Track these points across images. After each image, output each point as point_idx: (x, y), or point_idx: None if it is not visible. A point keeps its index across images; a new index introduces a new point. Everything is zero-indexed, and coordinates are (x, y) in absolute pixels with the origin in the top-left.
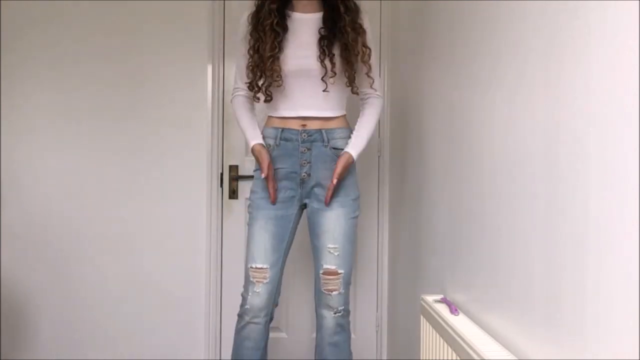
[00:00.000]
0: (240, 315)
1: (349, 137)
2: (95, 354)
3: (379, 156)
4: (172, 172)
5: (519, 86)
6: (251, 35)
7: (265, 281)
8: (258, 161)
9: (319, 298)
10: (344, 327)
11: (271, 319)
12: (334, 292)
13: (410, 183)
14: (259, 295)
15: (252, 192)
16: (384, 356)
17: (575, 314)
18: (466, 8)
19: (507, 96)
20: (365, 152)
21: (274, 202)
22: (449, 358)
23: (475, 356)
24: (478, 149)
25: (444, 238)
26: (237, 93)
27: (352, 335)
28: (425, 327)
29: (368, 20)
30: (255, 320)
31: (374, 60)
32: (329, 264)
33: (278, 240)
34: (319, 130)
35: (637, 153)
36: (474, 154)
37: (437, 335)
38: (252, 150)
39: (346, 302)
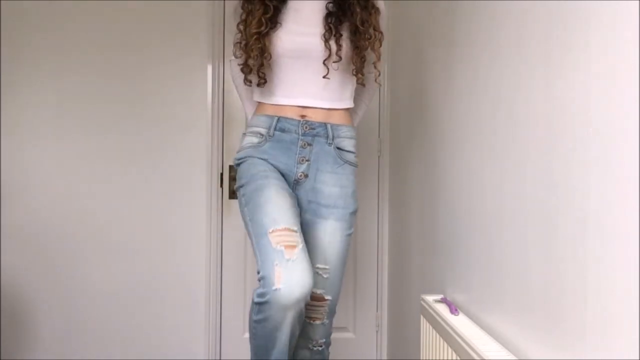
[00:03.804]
0: (263, 314)
1: (355, 138)
2: (95, 354)
3: (379, 156)
4: (172, 172)
5: (520, 86)
6: (242, 7)
7: (300, 245)
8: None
9: None
10: None
11: None
12: (317, 322)
13: (411, 183)
14: (297, 264)
15: (248, 174)
16: (384, 356)
17: (575, 314)
18: (467, 8)
19: (508, 95)
20: (365, 152)
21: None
22: (449, 358)
23: (475, 356)
24: (478, 148)
25: (444, 238)
26: (232, 59)
27: (352, 336)
28: (425, 327)
29: (384, 6)
30: (299, 307)
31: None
32: (315, 287)
33: (297, 214)
34: (323, 124)
35: (637, 152)
36: (474, 153)
37: (437, 335)
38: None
39: (328, 335)
